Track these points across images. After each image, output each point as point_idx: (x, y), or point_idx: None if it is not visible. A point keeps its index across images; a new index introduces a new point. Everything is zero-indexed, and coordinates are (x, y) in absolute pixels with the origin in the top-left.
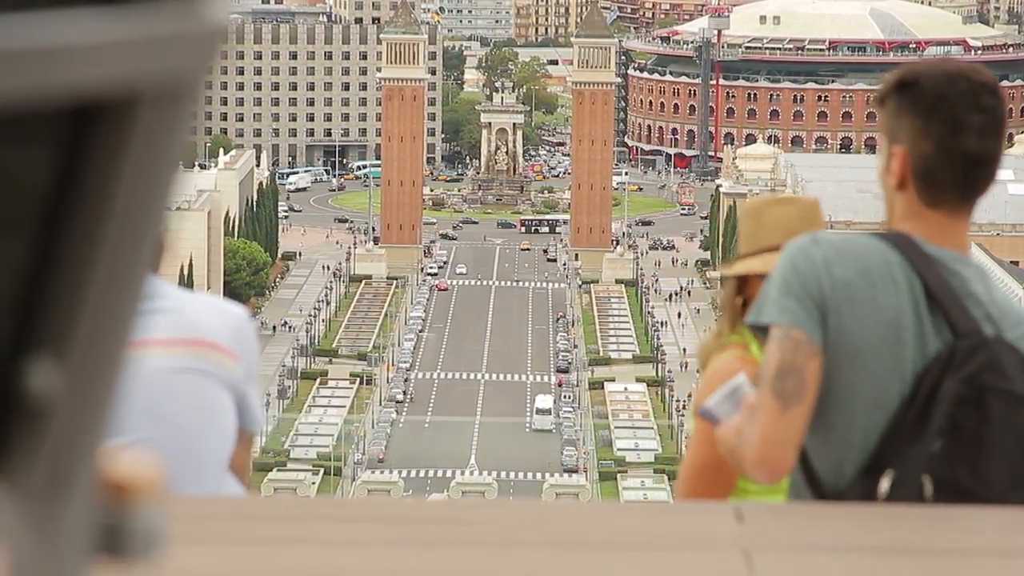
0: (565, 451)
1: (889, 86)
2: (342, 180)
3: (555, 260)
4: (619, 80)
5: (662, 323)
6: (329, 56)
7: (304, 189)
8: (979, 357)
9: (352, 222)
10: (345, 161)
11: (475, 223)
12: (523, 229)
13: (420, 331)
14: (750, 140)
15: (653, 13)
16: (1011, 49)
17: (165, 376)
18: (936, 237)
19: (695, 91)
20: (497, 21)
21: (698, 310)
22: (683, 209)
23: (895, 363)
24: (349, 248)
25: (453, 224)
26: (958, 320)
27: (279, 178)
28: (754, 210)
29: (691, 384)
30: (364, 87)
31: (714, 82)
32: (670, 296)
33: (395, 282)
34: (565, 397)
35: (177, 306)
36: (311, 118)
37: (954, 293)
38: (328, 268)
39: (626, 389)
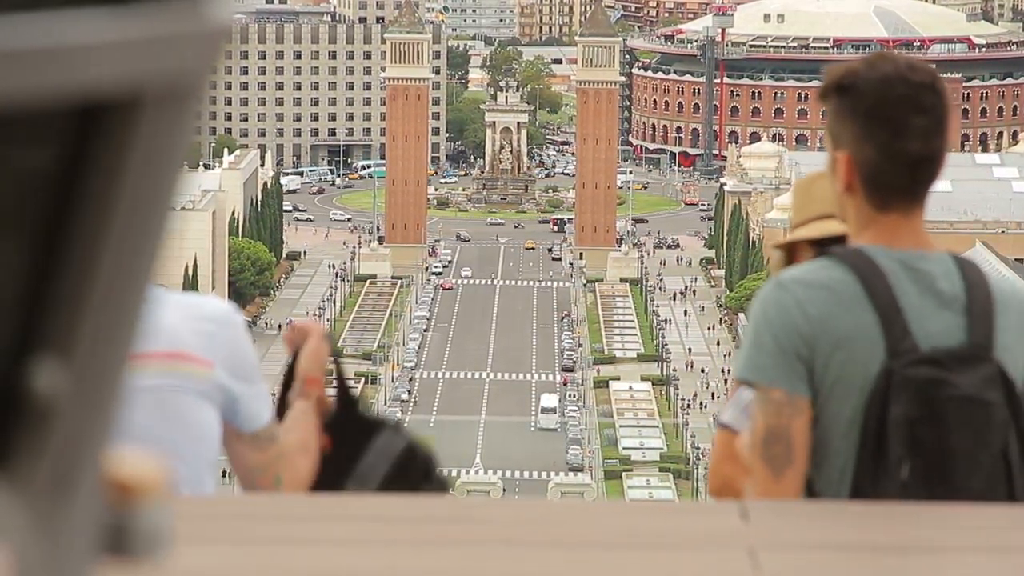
0: (570, 450)
1: (828, 87)
2: (346, 179)
3: (560, 259)
4: (623, 79)
5: (666, 321)
6: (333, 56)
7: (295, 191)
8: (919, 374)
9: (352, 220)
10: (349, 161)
11: (501, 223)
12: (555, 228)
13: (425, 330)
14: (754, 138)
15: (657, 12)
16: (1015, 47)
17: (136, 395)
18: (895, 241)
19: (699, 90)
20: (501, 20)
21: (702, 308)
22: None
23: (859, 389)
24: (353, 248)
25: (460, 228)
26: (894, 336)
27: (283, 178)
28: (804, 184)
29: (696, 383)
30: (368, 87)
31: (718, 80)
32: (674, 295)
33: (400, 281)
34: (570, 396)
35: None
36: (315, 118)
37: (898, 309)
38: (333, 268)
39: (631, 388)
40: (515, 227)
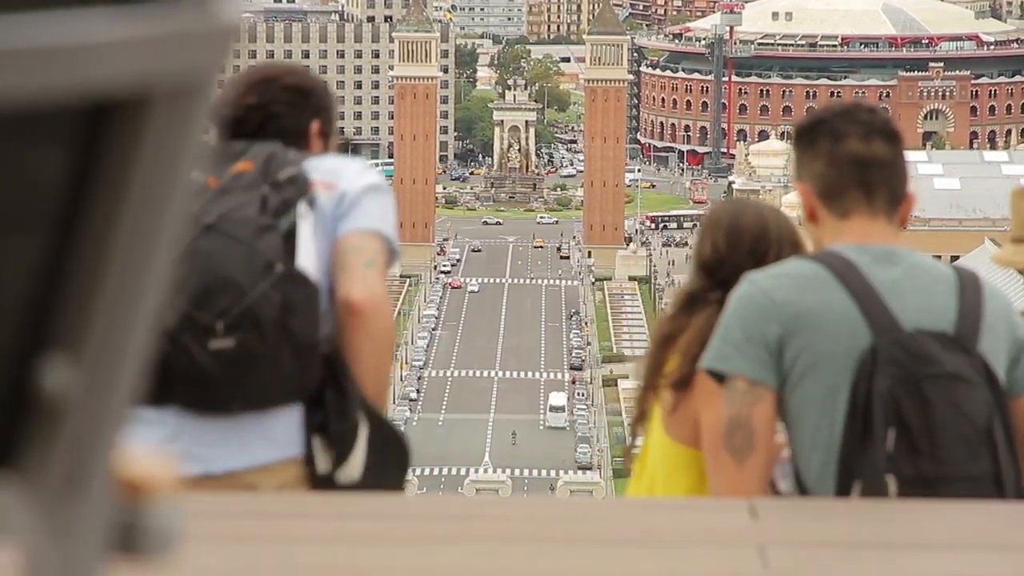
0: (579, 448)
1: (793, 139)
2: None
3: (568, 257)
4: (631, 77)
5: None
6: (341, 55)
7: None
8: (902, 351)
9: None
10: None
11: (499, 224)
12: (652, 225)
13: (433, 329)
14: (763, 136)
15: (665, 10)
16: (1023, 44)
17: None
18: (864, 240)
19: (708, 88)
20: (509, 19)
21: None
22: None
23: (842, 370)
24: None
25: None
26: (877, 319)
27: None
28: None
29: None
30: (376, 85)
31: (726, 79)
32: None
33: (408, 280)
34: (579, 394)
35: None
36: None
37: (874, 293)
38: None
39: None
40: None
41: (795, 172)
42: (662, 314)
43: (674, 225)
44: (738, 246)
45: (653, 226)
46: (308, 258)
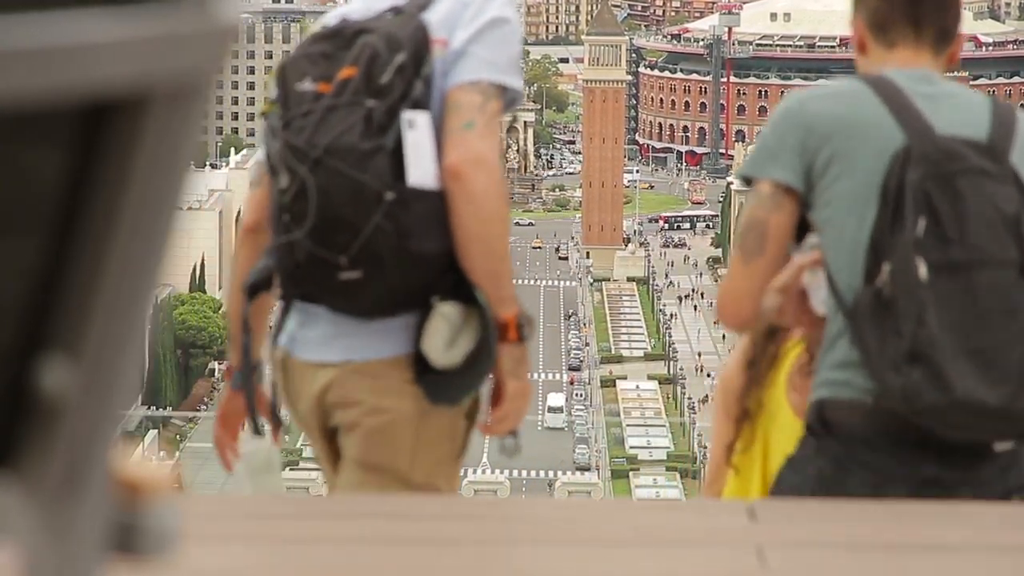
0: (577, 449)
1: None
2: None
3: (566, 258)
4: (630, 78)
5: (671, 316)
6: None
7: None
8: (935, 150)
9: None
10: None
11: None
12: (665, 225)
13: None
14: None
15: (664, 11)
16: (1022, 45)
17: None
18: (902, 67)
19: (706, 88)
20: None
21: (711, 304)
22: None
23: (874, 171)
24: None
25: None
26: (911, 124)
27: None
28: None
29: (703, 383)
30: None
31: (725, 79)
32: (679, 299)
33: None
34: (577, 395)
35: None
36: None
37: (909, 103)
38: None
39: (638, 387)
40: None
41: (851, 7)
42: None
43: (687, 226)
44: None
45: (666, 226)
46: (425, 159)
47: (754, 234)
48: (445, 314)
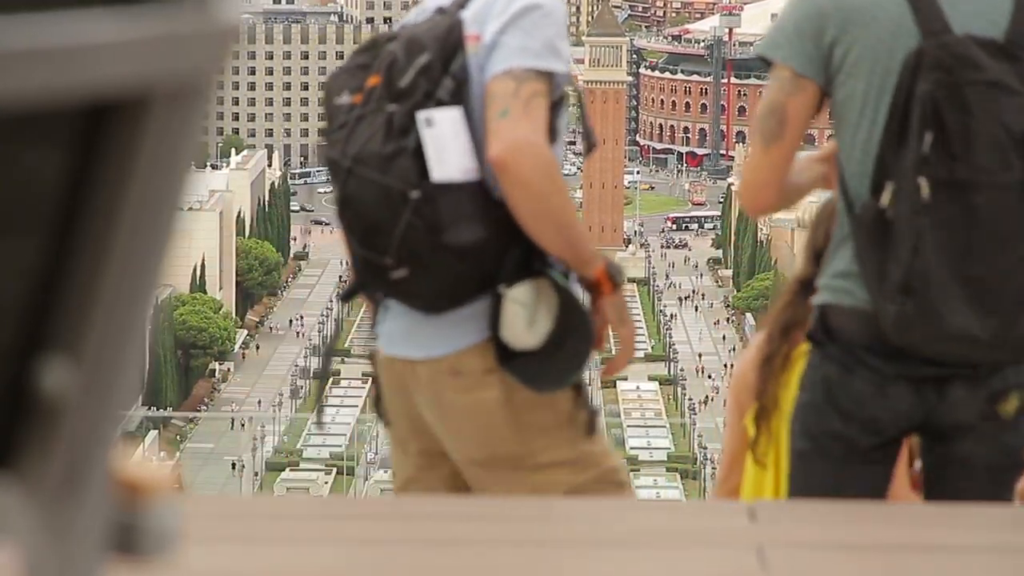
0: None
1: None
2: None
3: None
4: (630, 79)
5: (672, 317)
6: (341, 56)
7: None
8: (948, 55)
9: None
10: None
11: None
12: (673, 226)
13: None
14: None
15: (664, 12)
16: None
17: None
18: None
19: (707, 89)
20: None
21: (711, 304)
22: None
23: (887, 71)
24: None
25: None
26: (927, 20)
27: (291, 178)
28: None
29: (704, 384)
30: None
31: (726, 80)
32: (680, 300)
33: None
34: None
35: None
36: (323, 118)
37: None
38: (344, 263)
39: (638, 388)
40: None
41: None
42: (773, 305)
43: (695, 226)
44: None
45: (674, 227)
46: (447, 153)
47: (774, 119)
48: (516, 298)
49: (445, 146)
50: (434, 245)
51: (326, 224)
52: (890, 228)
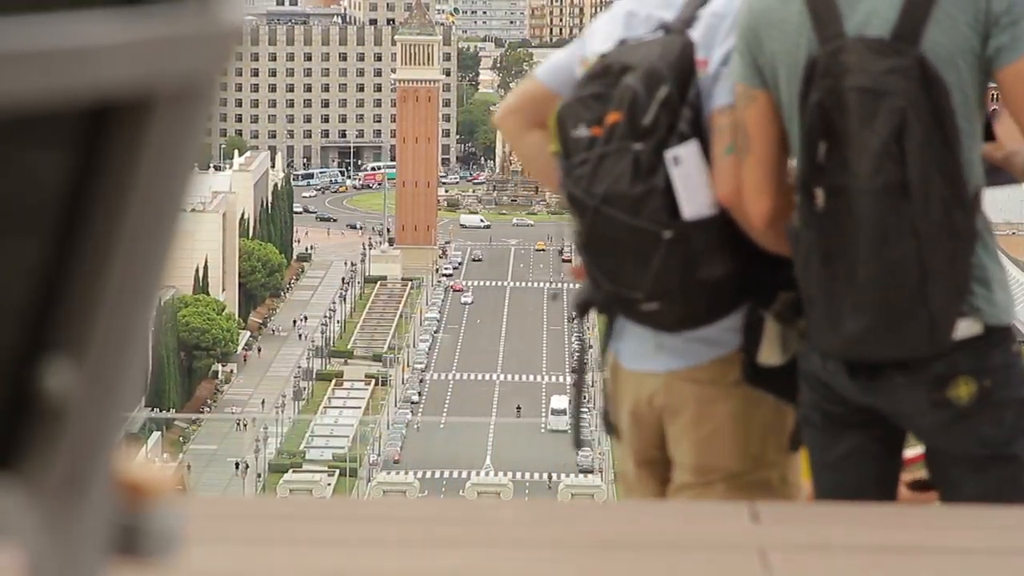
0: (580, 452)
1: None
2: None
3: (570, 260)
4: None
5: None
6: (344, 57)
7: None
8: (835, 62)
9: (335, 221)
10: (360, 162)
11: (488, 226)
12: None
13: (435, 332)
14: None
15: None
16: None
17: None
18: None
19: None
20: (512, 22)
21: None
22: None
23: (795, 79)
24: (364, 249)
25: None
26: (824, 26)
27: (294, 179)
28: None
29: None
30: (379, 88)
31: None
32: None
33: (410, 283)
34: (581, 397)
35: None
36: (326, 119)
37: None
38: (348, 264)
39: None
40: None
41: None
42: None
43: None
44: None
45: None
46: (696, 191)
47: (740, 134)
48: (773, 325)
49: (692, 183)
50: (687, 281)
51: (333, 221)
52: (795, 242)
